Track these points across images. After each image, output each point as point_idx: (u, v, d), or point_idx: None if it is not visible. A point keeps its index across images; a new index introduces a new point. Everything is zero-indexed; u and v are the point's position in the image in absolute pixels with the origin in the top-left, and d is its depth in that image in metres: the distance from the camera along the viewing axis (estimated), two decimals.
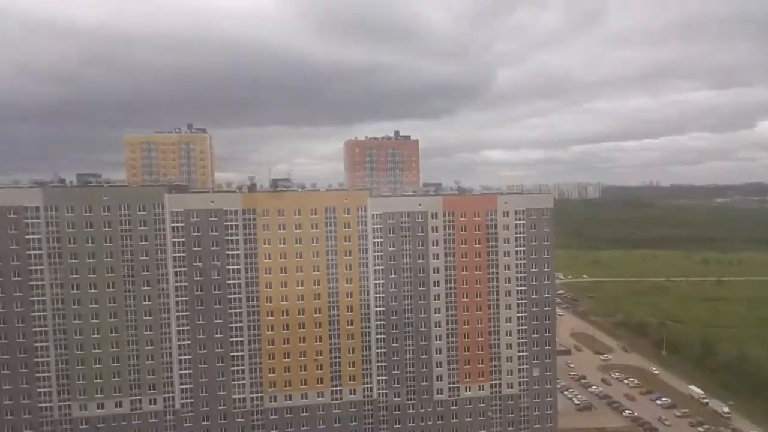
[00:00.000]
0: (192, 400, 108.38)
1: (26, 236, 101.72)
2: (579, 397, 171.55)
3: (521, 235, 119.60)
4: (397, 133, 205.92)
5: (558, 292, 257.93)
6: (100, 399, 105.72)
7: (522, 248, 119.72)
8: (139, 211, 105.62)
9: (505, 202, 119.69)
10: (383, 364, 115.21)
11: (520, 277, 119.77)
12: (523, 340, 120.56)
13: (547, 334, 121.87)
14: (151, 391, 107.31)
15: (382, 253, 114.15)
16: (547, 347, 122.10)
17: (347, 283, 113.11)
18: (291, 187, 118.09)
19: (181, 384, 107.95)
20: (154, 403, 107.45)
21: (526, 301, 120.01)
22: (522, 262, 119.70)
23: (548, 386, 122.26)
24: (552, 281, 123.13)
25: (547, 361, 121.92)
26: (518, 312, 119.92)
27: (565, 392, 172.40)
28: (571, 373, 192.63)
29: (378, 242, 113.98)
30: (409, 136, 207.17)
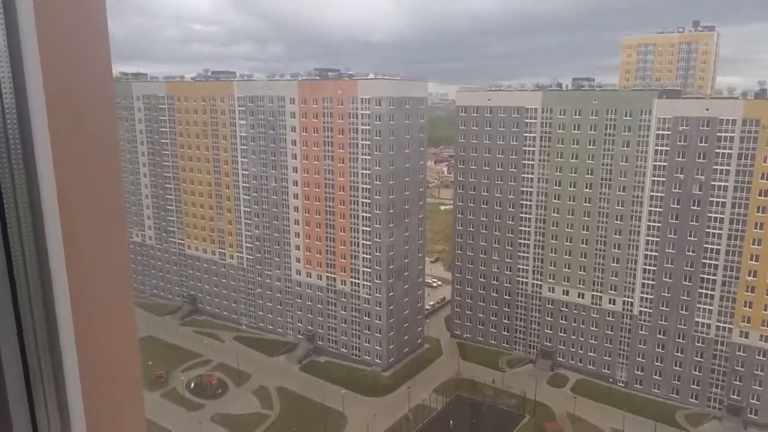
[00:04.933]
0: (651, 310, 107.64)
1: (524, 134, 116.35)
2: None
3: None
4: None
5: None
6: (566, 287, 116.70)
7: None
8: (626, 116, 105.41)
9: None
10: None
11: None
12: None
13: None
14: (612, 292, 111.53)
15: None
16: None
17: None
18: None
19: (642, 293, 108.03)
20: (613, 303, 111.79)
21: None
22: None
23: None
24: None
25: None
26: None
27: None
28: None
29: None
30: None
